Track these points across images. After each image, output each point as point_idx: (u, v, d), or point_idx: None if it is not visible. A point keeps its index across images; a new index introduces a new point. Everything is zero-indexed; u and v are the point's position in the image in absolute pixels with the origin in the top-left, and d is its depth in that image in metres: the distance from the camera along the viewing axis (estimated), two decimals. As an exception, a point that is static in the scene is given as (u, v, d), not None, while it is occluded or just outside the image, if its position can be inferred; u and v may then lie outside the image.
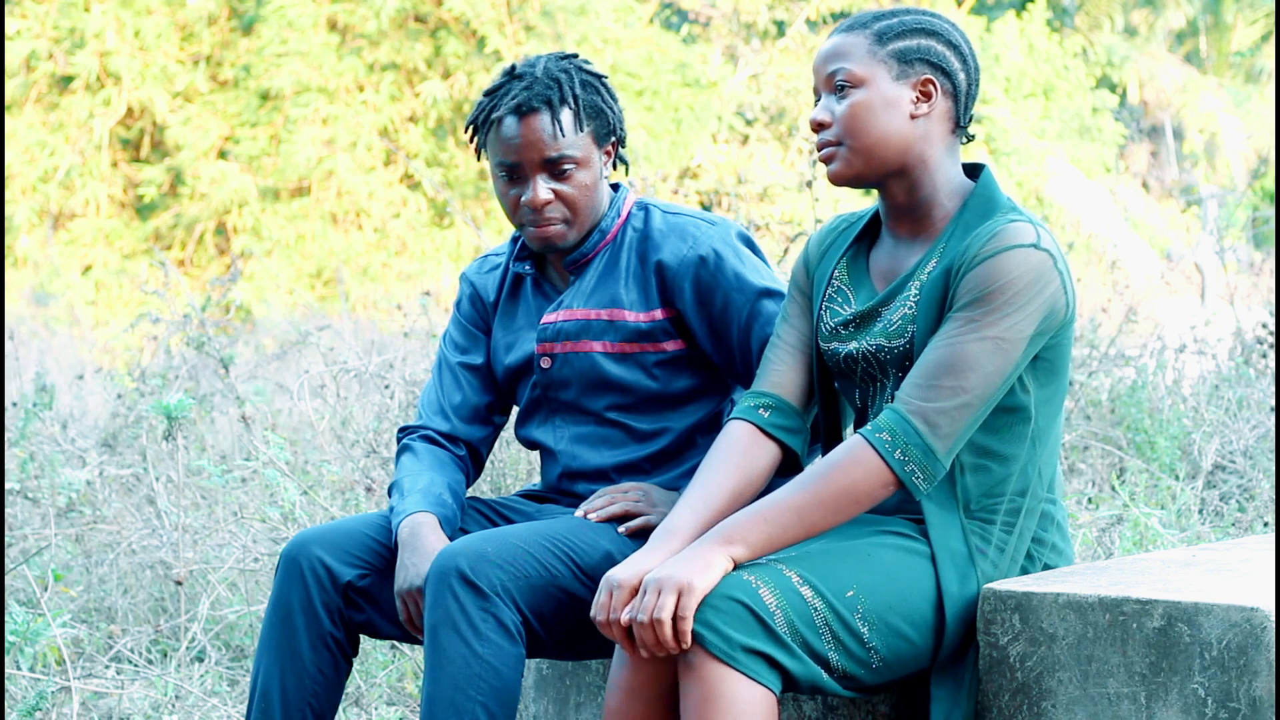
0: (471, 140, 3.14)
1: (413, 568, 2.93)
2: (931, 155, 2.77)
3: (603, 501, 3.02)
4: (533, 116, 3.04)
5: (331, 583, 2.98)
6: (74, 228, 16.08)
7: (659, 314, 3.08)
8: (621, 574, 2.64)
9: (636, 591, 2.62)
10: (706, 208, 15.53)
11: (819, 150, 2.80)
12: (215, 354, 5.84)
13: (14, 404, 6.22)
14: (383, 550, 3.01)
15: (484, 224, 15.41)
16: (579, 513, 3.00)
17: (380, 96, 15.76)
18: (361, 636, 3.16)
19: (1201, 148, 24.30)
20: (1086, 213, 18.92)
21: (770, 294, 3.07)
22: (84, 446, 6.13)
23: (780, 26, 18.71)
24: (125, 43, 15.64)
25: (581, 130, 3.07)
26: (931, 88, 2.76)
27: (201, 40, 16.03)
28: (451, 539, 3.03)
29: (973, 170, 2.84)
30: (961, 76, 2.79)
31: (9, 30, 15.48)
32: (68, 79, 15.99)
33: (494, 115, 3.07)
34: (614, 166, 3.18)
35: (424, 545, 2.96)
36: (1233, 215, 15.17)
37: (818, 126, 2.78)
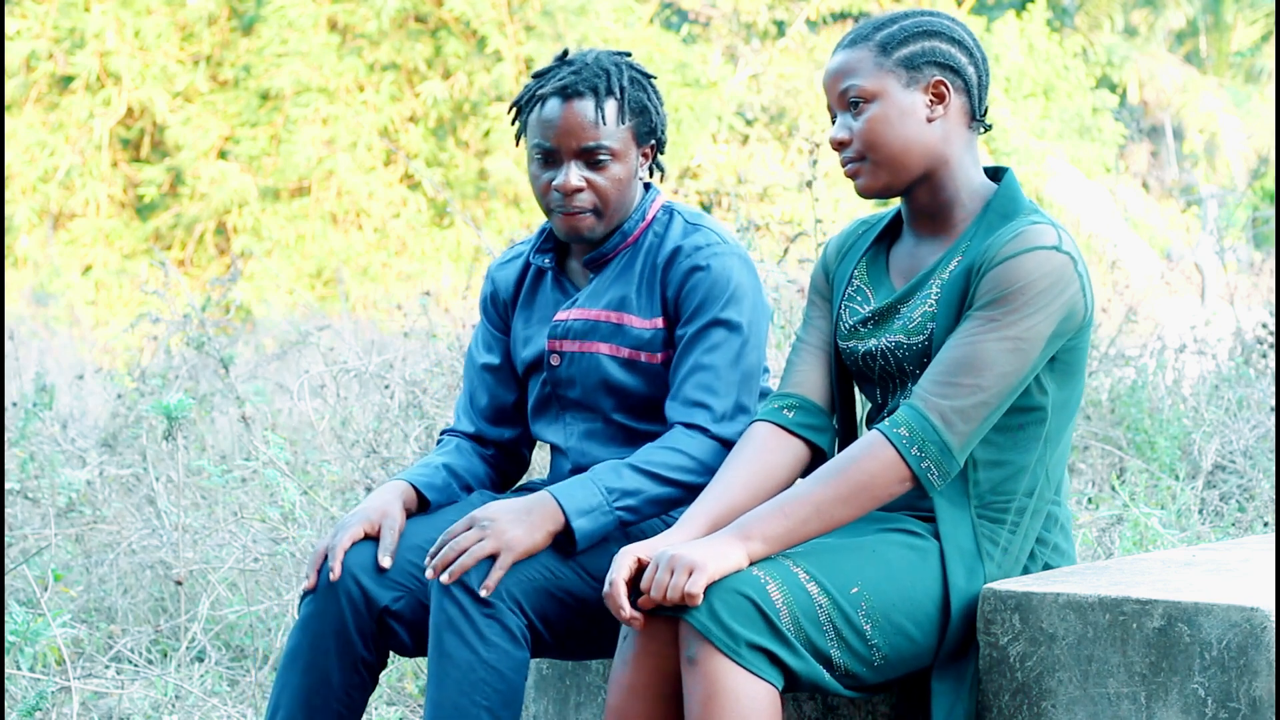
0: (514, 122, 3.14)
1: (350, 515, 2.98)
2: (953, 155, 2.79)
3: (450, 555, 2.84)
4: (576, 101, 3.03)
5: (368, 608, 2.93)
6: (74, 228, 16.08)
7: (660, 322, 3.08)
8: (633, 547, 2.67)
9: (641, 565, 2.65)
10: (706, 208, 15.55)
11: (844, 167, 2.82)
12: (215, 354, 5.84)
13: (14, 404, 6.22)
14: (418, 573, 2.96)
15: (484, 224, 15.41)
16: (429, 574, 2.84)
17: (380, 96, 15.76)
18: None
19: (1201, 148, 24.30)
20: (1086, 213, 18.92)
21: (729, 326, 3.01)
22: (84, 446, 6.13)
23: (780, 26, 18.71)
24: (125, 43, 15.64)
25: (623, 123, 3.06)
26: (944, 88, 2.78)
27: (201, 40, 16.03)
28: (436, 502, 3.04)
29: (995, 173, 2.85)
30: (970, 70, 2.80)
31: (9, 30, 15.47)
32: (68, 79, 15.99)
33: (539, 94, 3.06)
34: (650, 171, 3.16)
35: (368, 501, 2.99)
36: (1233, 215, 15.16)
37: (839, 145, 2.80)
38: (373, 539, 2.97)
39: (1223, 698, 2.49)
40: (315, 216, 15.59)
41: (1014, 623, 2.65)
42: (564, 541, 2.89)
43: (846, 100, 2.79)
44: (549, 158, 3.06)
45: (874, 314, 2.84)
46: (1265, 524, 5.03)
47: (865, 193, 2.81)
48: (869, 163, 2.79)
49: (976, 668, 2.70)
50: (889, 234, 2.92)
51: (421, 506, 3.06)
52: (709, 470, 2.93)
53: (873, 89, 2.77)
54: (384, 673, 4.29)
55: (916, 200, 2.83)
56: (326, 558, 2.95)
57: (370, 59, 15.85)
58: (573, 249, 3.18)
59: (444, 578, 2.80)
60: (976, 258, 2.73)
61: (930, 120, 2.78)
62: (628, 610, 2.62)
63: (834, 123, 2.83)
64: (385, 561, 2.92)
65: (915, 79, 2.77)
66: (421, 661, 4.29)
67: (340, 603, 2.93)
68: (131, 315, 13.35)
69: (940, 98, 2.78)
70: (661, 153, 3.16)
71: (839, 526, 2.67)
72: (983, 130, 2.85)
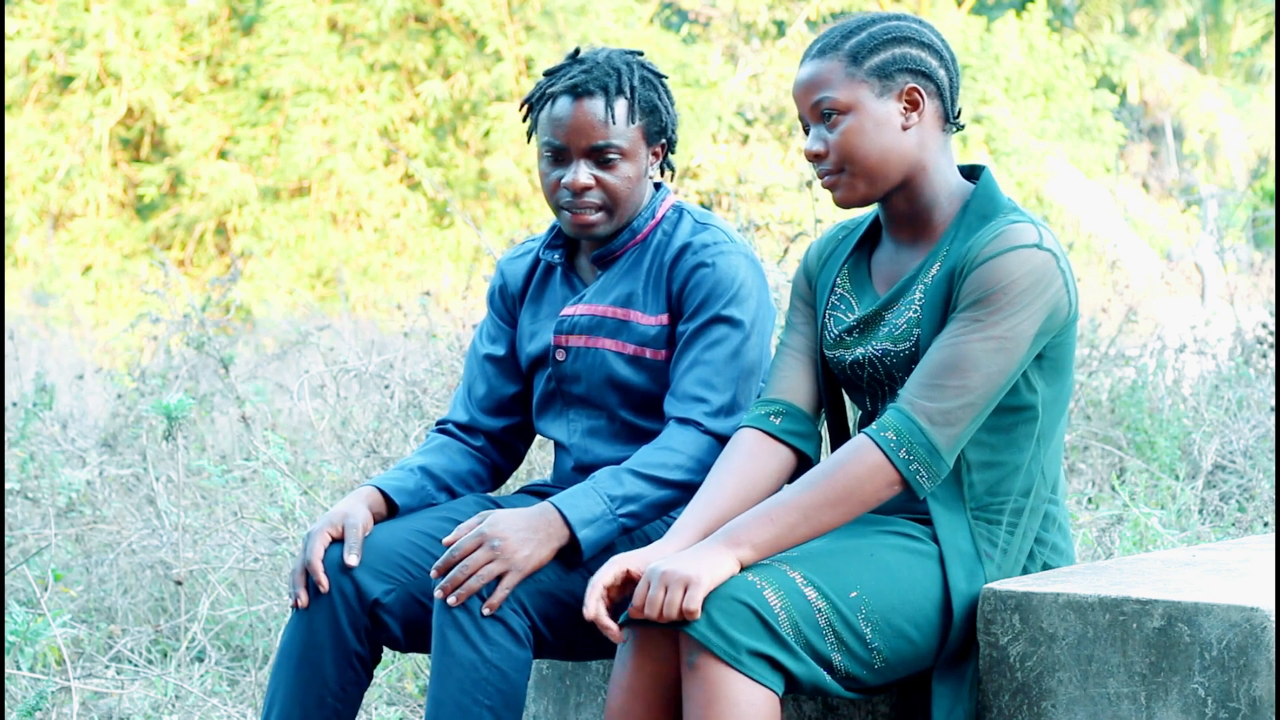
0: (525, 120, 3.15)
1: (314, 526, 2.98)
2: (929, 160, 2.78)
3: (460, 576, 2.83)
4: (587, 99, 3.04)
5: (359, 602, 2.94)
6: (74, 228, 16.08)
7: (665, 319, 3.08)
8: (627, 560, 2.66)
9: (631, 579, 2.65)
10: (706, 208, 15.54)
11: (820, 178, 2.81)
12: (215, 354, 5.84)
13: (14, 404, 6.21)
14: (409, 566, 2.98)
15: (484, 224, 15.42)
16: (438, 594, 2.84)
17: (380, 96, 15.77)
18: None
19: (1201, 148, 24.30)
20: (1086, 213, 18.92)
21: (731, 322, 3.03)
22: (84, 446, 6.12)
23: (780, 26, 18.71)
24: (125, 43, 15.64)
25: (633, 123, 3.07)
26: (917, 95, 2.76)
27: (201, 40, 16.03)
28: (405, 506, 3.05)
29: (972, 172, 2.84)
30: (942, 74, 2.79)
31: (9, 30, 15.47)
32: (68, 79, 15.99)
33: (550, 91, 3.07)
34: (661, 170, 3.17)
35: (333, 508, 3.00)
36: (1233, 215, 15.16)
37: (814, 157, 2.78)
38: (339, 542, 2.97)
39: (1223, 698, 2.49)
40: (315, 216, 15.59)
41: (1014, 623, 2.65)
42: (569, 550, 2.89)
43: (819, 112, 2.77)
44: (559, 156, 3.07)
45: (859, 322, 2.83)
46: (1265, 524, 5.03)
47: (843, 204, 2.81)
48: (846, 174, 2.77)
49: (976, 668, 2.70)
50: (869, 239, 2.92)
51: (391, 511, 3.06)
52: (705, 468, 2.93)
53: (846, 101, 2.75)
54: (384, 672, 4.30)
55: (894, 207, 2.82)
56: (308, 574, 2.95)
57: (370, 59, 15.85)
58: (582, 246, 3.19)
59: (451, 600, 2.80)
60: (958, 260, 2.72)
61: (905, 128, 2.76)
62: (591, 610, 2.63)
63: (806, 132, 2.82)
64: (351, 560, 2.93)
65: (888, 87, 2.76)
66: (421, 661, 4.29)
67: (332, 597, 2.94)
68: (131, 315, 13.34)
69: (914, 105, 2.77)
70: (672, 152, 3.17)
71: (827, 531, 2.66)
72: (956, 130, 2.84)
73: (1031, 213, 2.79)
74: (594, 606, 2.64)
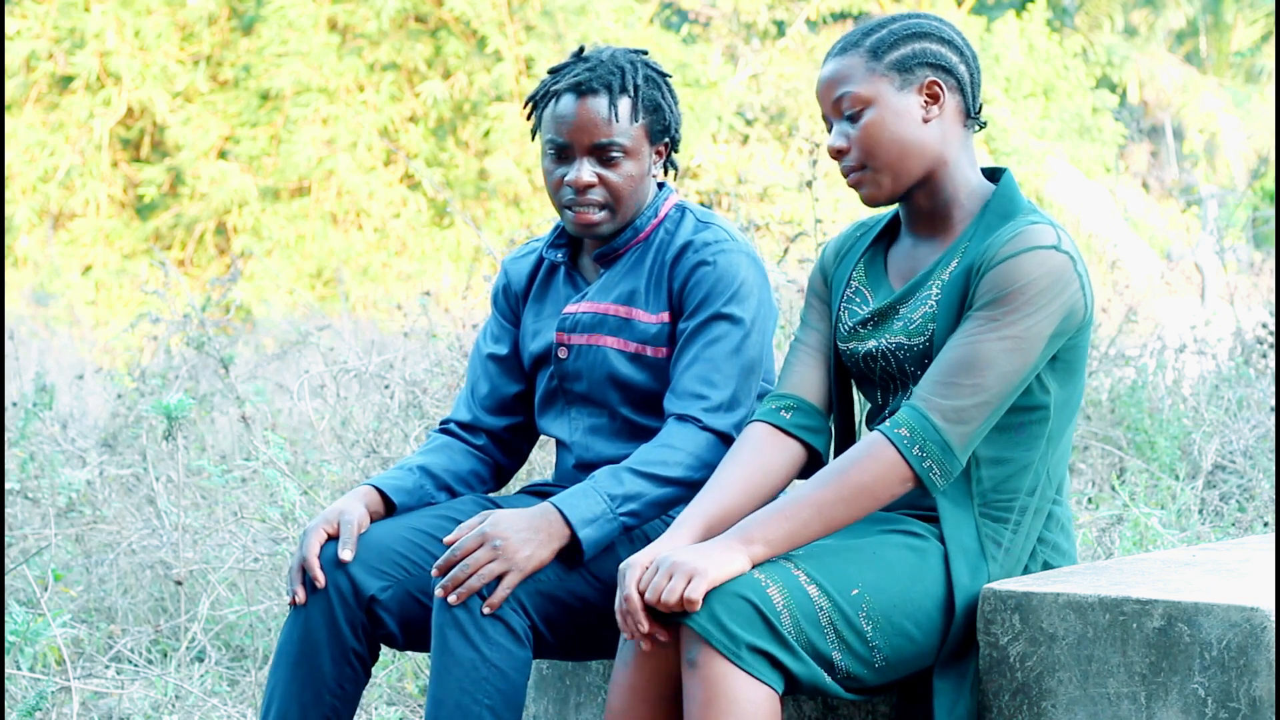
0: (529, 118, 3.15)
1: (311, 523, 3.00)
2: (951, 155, 2.80)
3: (461, 575, 2.84)
4: (591, 97, 3.05)
5: (356, 598, 2.95)
6: (74, 228, 16.08)
7: (666, 317, 3.09)
8: (636, 558, 2.66)
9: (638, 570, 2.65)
10: (707, 208, 15.53)
11: (845, 176, 2.82)
12: (215, 354, 5.84)
13: (14, 404, 6.21)
14: (405, 563, 2.99)
15: (484, 224, 15.42)
16: (438, 592, 2.84)
17: (380, 96, 15.76)
18: None
19: (1201, 148, 24.29)
20: (1086, 213, 18.92)
21: (731, 320, 3.04)
22: (84, 446, 6.12)
23: (780, 26, 18.72)
24: (125, 43, 15.64)
25: (636, 121, 3.08)
26: (938, 88, 2.78)
27: (201, 40, 16.03)
28: (403, 504, 3.06)
29: (994, 175, 2.86)
30: (963, 69, 2.81)
31: (9, 30, 15.47)
32: (68, 79, 15.99)
33: (554, 89, 3.08)
34: (664, 169, 3.18)
35: (329, 506, 3.02)
36: (1233, 215, 15.16)
37: (837, 153, 2.80)
38: (335, 539, 2.99)
39: (1223, 698, 2.49)
40: (315, 216, 15.59)
41: (1014, 623, 2.65)
42: (570, 549, 2.89)
43: (842, 109, 2.80)
44: (562, 153, 3.08)
45: (873, 314, 2.84)
46: (1265, 524, 5.03)
47: (871, 201, 2.82)
48: (869, 170, 2.79)
49: (977, 666, 2.70)
50: (886, 235, 2.93)
51: (389, 509, 3.07)
52: (705, 465, 2.93)
53: (867, 95, 2.78)
54: (384, 672, 4.30)
55: (915, 202, 2.84)
56: (305, 571, 2.96)
57: (370, 59, 15.85)
58: (585, 244, 3.20)
59: (452, 599, 2.81)
60: (976, 258, 2.73)
61: (926, 121, 2.79)
62: (645, 625, 2.59)
63: (830, 131, 2.84)
64: (345, 554, 2.94)
65: (909, 81, 2.78)
66: (421, 661, 4.29)
67: (329, 594, 2.95)
68: (131, 315, 13.34)
69: (935, 98, 2.79)
70: (675, 151, 3.17)
71: (841, 528, 2.67)
72: (978, 128, 2.86)
73: (1050, 215, 2.80)
74: (646, 624, 2.59)
